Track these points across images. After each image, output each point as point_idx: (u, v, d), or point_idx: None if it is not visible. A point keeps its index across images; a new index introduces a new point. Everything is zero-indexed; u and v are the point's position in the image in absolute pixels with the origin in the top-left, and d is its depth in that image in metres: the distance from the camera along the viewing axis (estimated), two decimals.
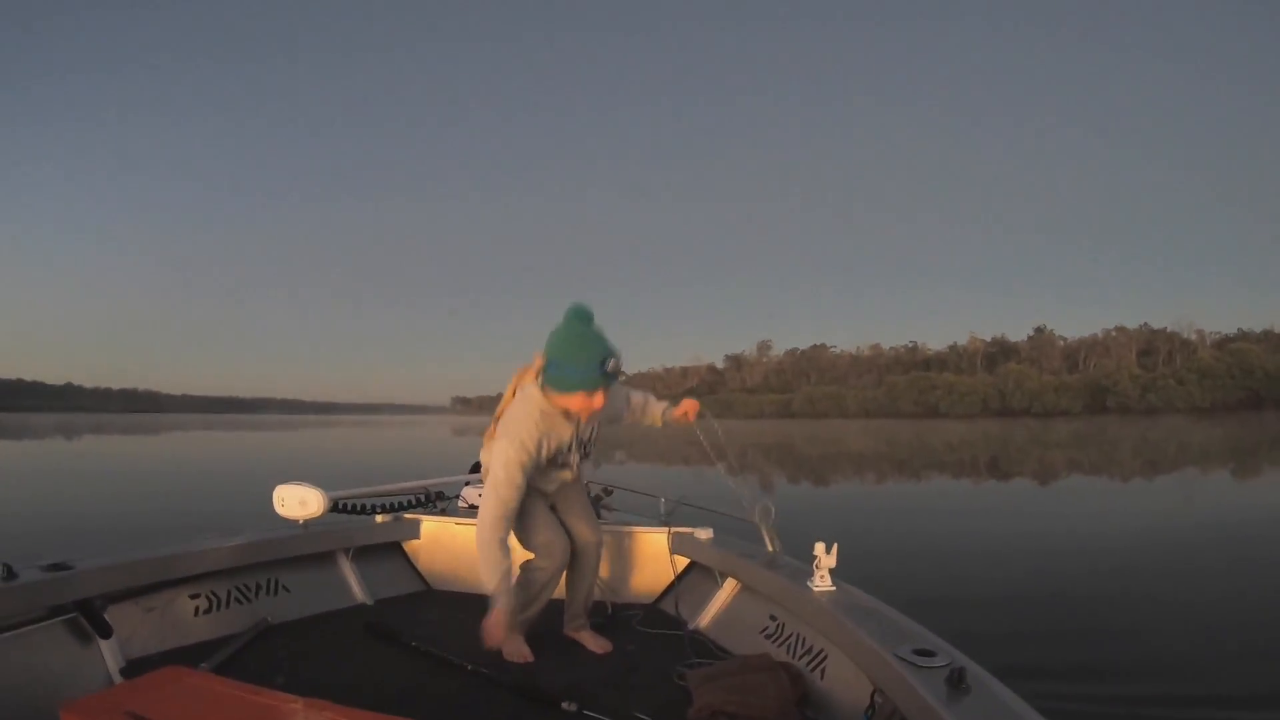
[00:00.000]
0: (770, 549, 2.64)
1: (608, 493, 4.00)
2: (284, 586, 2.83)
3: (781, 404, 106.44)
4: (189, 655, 2.25)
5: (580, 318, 2.34)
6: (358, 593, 3.05)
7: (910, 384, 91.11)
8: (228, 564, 2.62)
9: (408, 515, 3.40)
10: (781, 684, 2.04)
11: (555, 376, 2.32)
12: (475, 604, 2.54)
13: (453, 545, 3.35)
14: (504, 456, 2.31)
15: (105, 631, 2.18)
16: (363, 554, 3.19)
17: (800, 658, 2.27)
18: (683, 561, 3.08)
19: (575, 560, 2.64)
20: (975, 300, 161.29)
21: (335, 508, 3.02)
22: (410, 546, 3.40)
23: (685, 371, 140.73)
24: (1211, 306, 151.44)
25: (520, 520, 2.46)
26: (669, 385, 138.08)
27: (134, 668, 2.16)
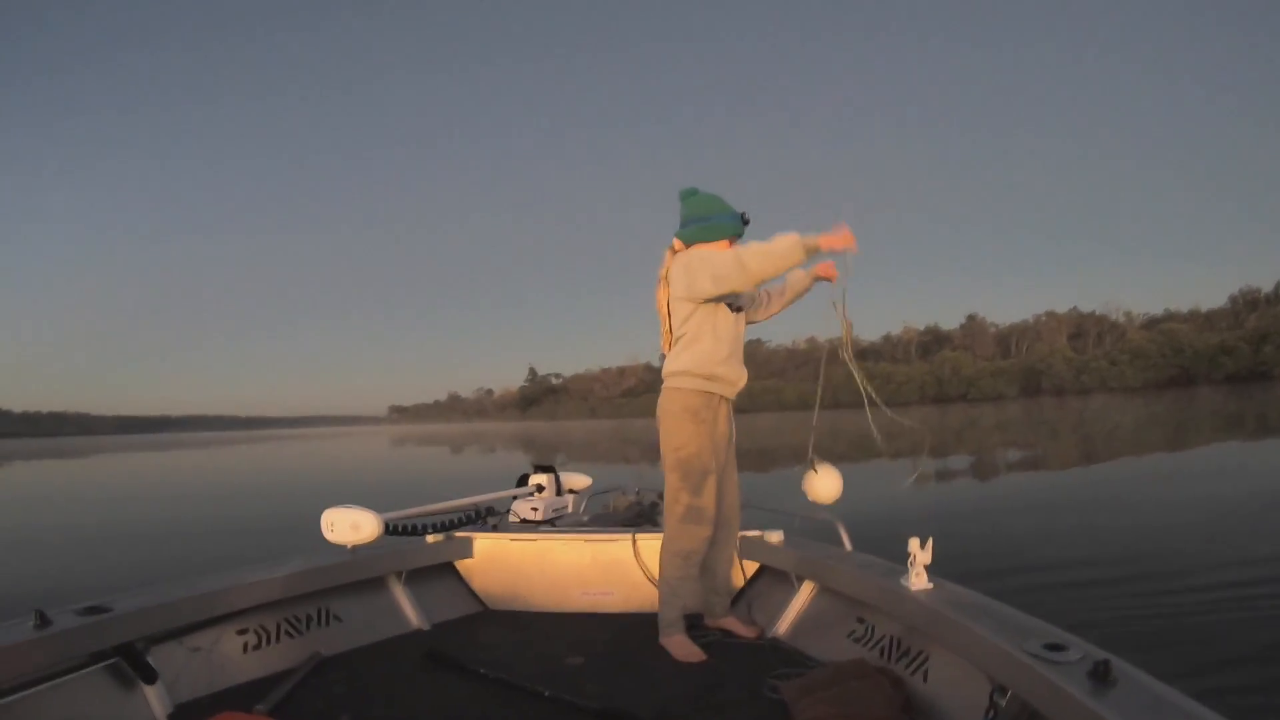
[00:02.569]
0: (847, 547, 2.68)
1: (662, 498, 3.41)
2: (335, 616, 2.72)
3: None
4: (241, 696, 2.20)
5: (696, 190, 2.65)
6: (413, 618, 2.94)
7: (848, 375, 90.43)
8: (275, 596, 2.50)
9: (459, 534, 3.25)
10: (885, 691, 1.98)
11: (704, 227, 2.58)
12: (537, 623, 2.95)
13: (508, 562, 3.23)
14: (696, 256, 2.52)
15: (150, 676, 2.10)
16: (415, 577, 3.06)
17: (897, 661, 2.21)
18: (752, 566, 3.00)
19: (721, 533, 2.67)
20: (907, 290, 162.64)
21: (388, 530, 2.88)
22: (463, 566, 3.26)
23: (622, 371, 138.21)
24: (1138, 289, 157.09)
25: (684, 470, 2.53)
26: (606, 385, 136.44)
27: (183, 713, 2.11)
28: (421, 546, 3.10)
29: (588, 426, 73.59)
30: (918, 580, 2.10)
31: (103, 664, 2.03)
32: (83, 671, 1.99)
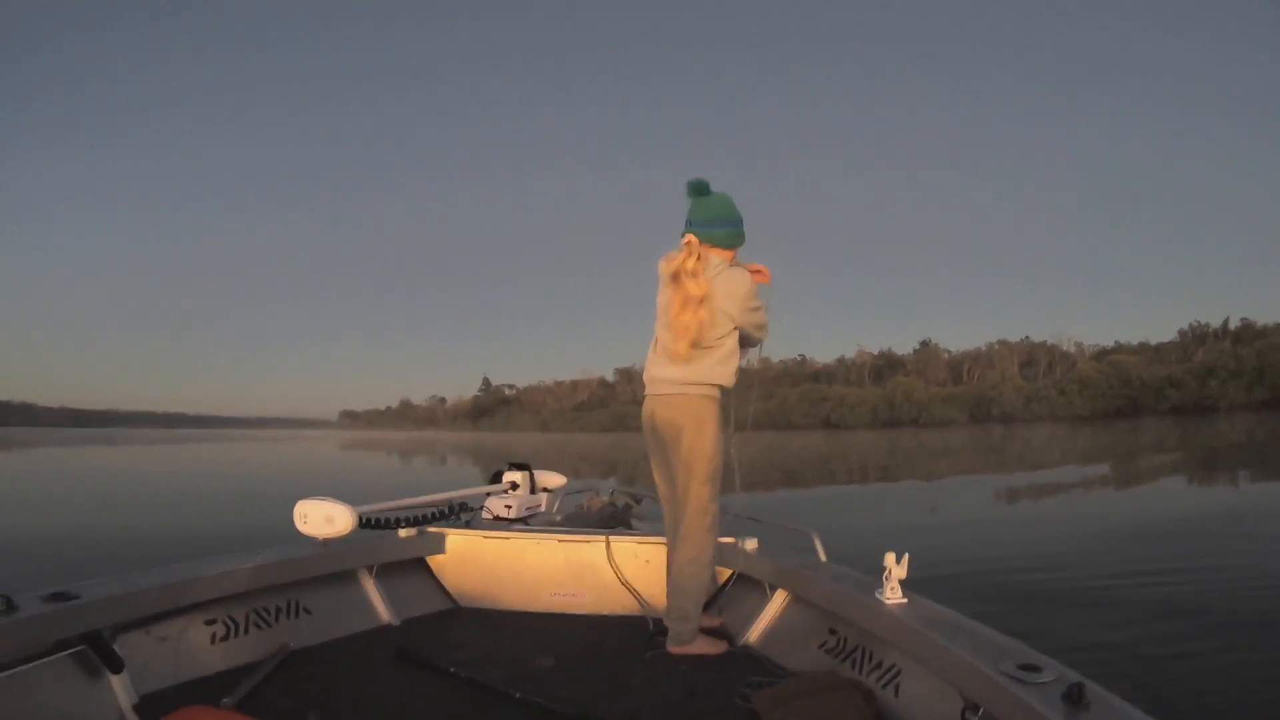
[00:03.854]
0: (822, 559, 2.71)
1: (637, 501, 3.97)
2: (305, 609, 2.71)
3: None
4: (208, 687, 2.19)
5: (707, 187, 2.63)
6: (383, 613, 2.94)
7: (802, 396, 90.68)
8: (244, 587, 2.49)
9: (431, 529, 3.26)
10: (857, 704, 2.00)
11: (736, 233, 2.62)
12: (507, 622, 2.98)
13: (481, 560, 3.25)
14: (752, 286, 2.60)
15: (116, 665, 2.06)
16: (386, 571, 3.06)
17: (869, 674, 2.22)
18: (724, 573, 3.04)
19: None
20: (861, 314, 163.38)
21: (361, 524, 2.76)
22: (435, 562, 3.27)
23: (575, 385, 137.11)
24: (1090, 320, 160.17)
25: (715, 480, 2.59)
26: (559, 398, 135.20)
27: (148, 703, 2.08)
28: (393, 541, 3.09)
29: (539, 439, 75.03)
30: (892, 594, 2.12)
31: (69, 652, 1.99)
32: (48, 659, 1.95)
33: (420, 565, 3.21)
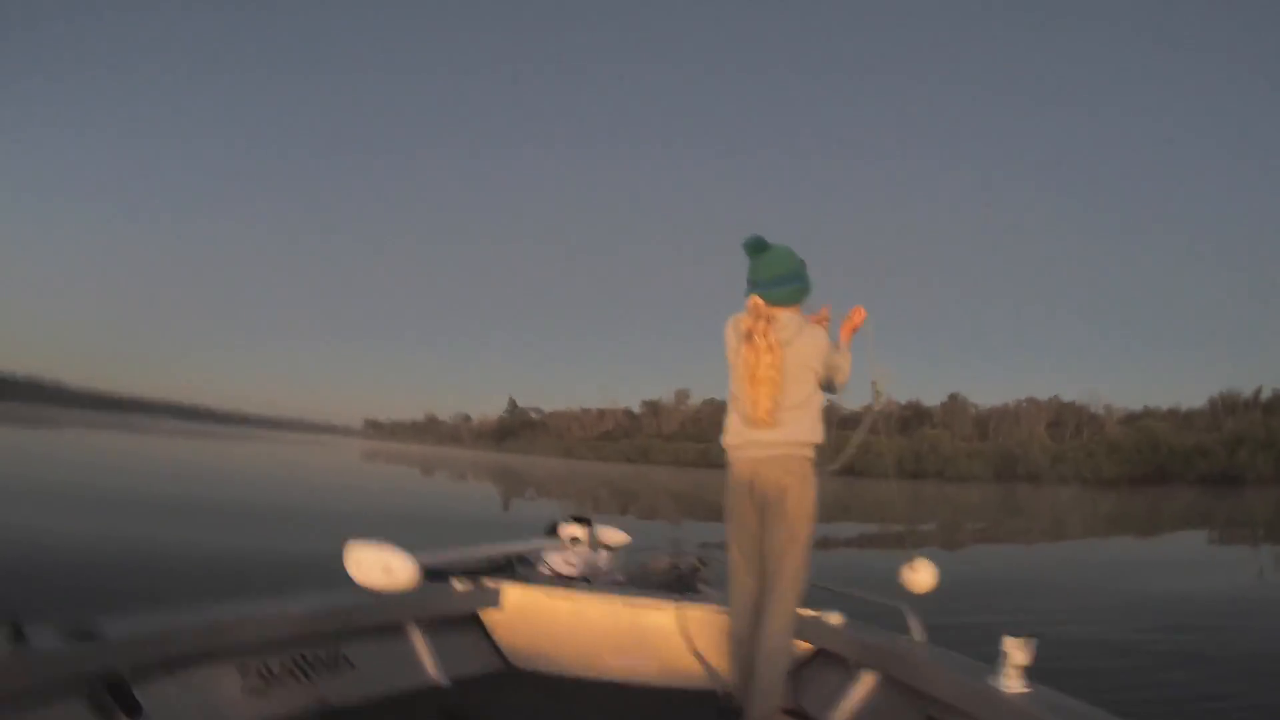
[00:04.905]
0: (917, 637, 2.47)
1: (703, 564, 3.63)
2: (348, 661, 2.47)
3: (699, 453, 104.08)
4: None
5: (764, 244, 2.57)
6: (431, 671, 2.72)
7: (829, 442, 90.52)
8: (284, 634, 2.27)
9: (488, 581, 3.01)
10: None
11: (803, 288, 2.62)
12: (565, 689, 2.75)
13: (539, 618, 3.00)
14: (826, 340, 2.59)
15: (135, 711, 1.89)
16: (436, 625, 2.82)
17: None
18: (804, 647, 2.78)
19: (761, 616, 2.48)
20: (892, 362, 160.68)
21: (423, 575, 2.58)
22: (490, 618, 3.01)
23: (601, 414, 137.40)
24: (1120, 383, 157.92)
25: (811, 547, 2.51)
26: (585, 426, 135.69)
27: None
28: (446, 593, 2.87)
29: (562, 465, 74.31)
30: (1013, 682, 1.91)
31: (83, 693, 1.82)
32: (60, 700, 1.77)
33: (473, 621, 2.99)
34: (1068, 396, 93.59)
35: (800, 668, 2.75)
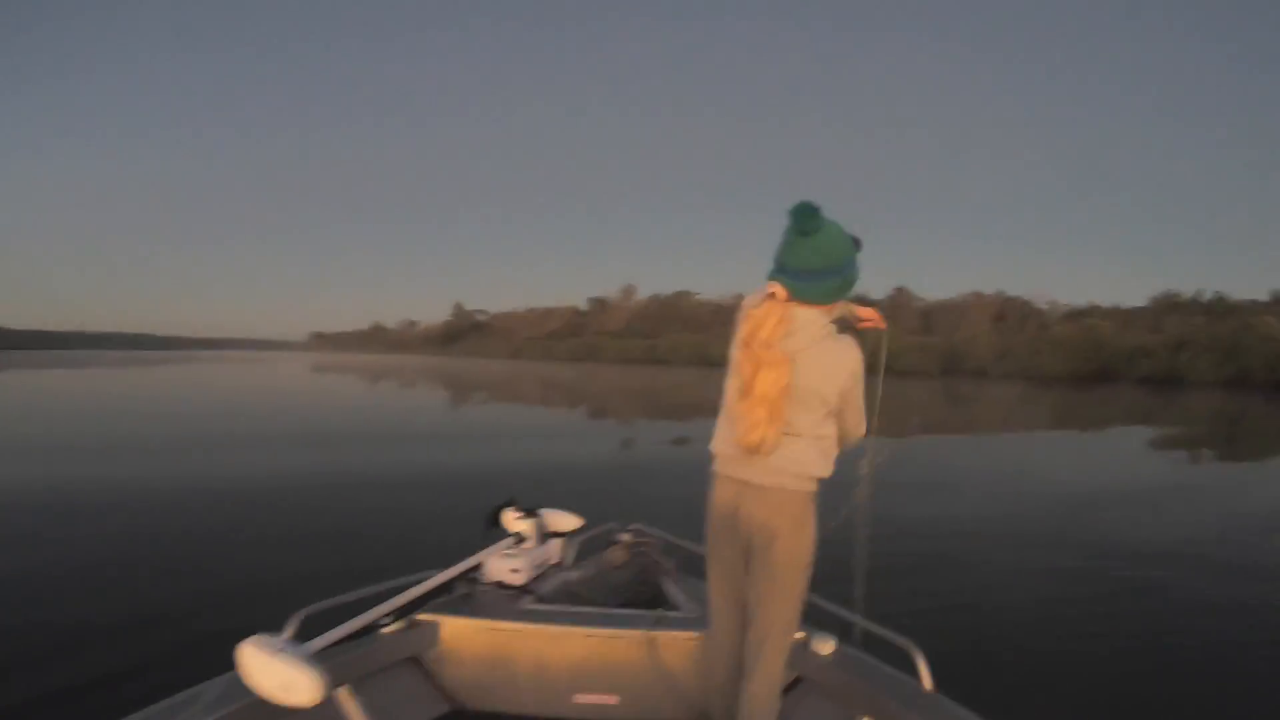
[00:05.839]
0: (926, 685, 2.14)
1: (668, 549, 3.37)
2: None
3: (647, 349, 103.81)
4: None
5: (817, 217, 1.90)
6: None
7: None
8: None
9: (422, 616, 2.62)
10: None
11: (845, 284, 1.98)
12: None
13: (484, 651, 2.64)
14: (859, 364, 1.99)
15: None
16: (365, 681, 2.39)
17: None
18: (789, 676, 2.44)
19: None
20: None
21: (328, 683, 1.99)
22: (429, 659, 2.64)
23: (548, 313, 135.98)
24: (1063, 278, 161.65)
25: (807, 588, 2.14)
26: (531, 325, 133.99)
27: None
28: (374, 646, 2.46)
29: (509, 366, 75.25)
30: None
31: None
32: None
33: (412, 665, 2.61)
34: (1013, 291, 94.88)
35: (784, 693, 2.30)
